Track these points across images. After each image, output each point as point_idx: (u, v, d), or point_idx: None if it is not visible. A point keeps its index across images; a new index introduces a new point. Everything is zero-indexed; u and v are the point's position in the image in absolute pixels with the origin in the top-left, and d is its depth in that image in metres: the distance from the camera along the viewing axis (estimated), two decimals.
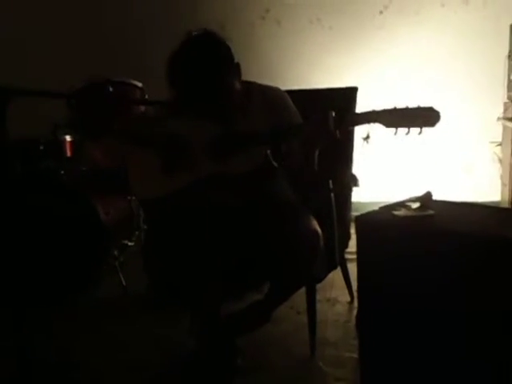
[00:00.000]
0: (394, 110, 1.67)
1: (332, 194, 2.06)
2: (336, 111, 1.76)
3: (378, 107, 1.71)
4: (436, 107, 1.65)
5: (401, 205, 1.76)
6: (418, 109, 1.65)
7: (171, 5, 3.80)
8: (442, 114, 1.63)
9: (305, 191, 2.07)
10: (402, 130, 1.66)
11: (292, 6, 3.75)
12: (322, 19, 3.75)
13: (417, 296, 1.61)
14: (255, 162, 1.91)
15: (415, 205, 1.74)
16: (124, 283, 2.70)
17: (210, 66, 1.83)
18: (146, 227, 2.98)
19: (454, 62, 3.61)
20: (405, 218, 1.68)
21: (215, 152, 1.92)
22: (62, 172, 2.67)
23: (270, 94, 2.02)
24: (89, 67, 3.03)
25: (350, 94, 2.37)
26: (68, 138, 2.92)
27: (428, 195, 1.80)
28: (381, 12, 3.68)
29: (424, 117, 1.63)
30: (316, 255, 1.86)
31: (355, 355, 1.97)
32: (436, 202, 1.79)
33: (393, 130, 1.66)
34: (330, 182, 2.06)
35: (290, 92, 2.09)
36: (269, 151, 1.96)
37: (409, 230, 1.64)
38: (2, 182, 2.69)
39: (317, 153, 1.88)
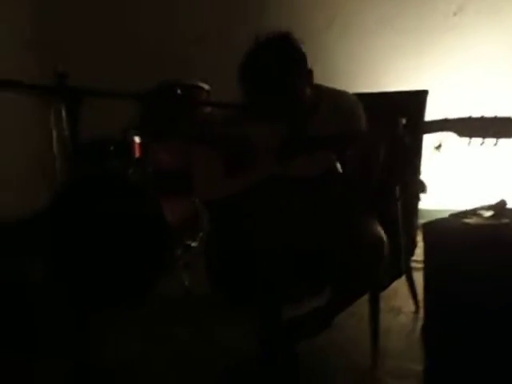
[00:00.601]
0: (469, 120, 1.61)
1: (399, 201, 2.01)
2: (407, 116, 1.71)
3: (451, 115, 1.65)
4: None
5: (472, 213, 1.69)
6: (495, 119, 1.58)
7: (237, 11, 3.85)
8: None
9: (371, 197, 2.03)
10: (476, 140, 1.59)
11: (359, 8, 3.69)
12: (390, 21, 3.66)
13: (487, 308, 1.54)
14: (320, 167, 1.88)
15: (488, 213, 1.67)
16: (187, 284, 2.73)
17: (282, 65, 1.83)
18: (209, 228, 3.01)
19: None
20: (477, 226, 1.61)
21: (281, 154, 1.91)
22: (130, 172, 2.73)
23: (339, 101, 1.99)
24: (159, 72, 3.11)
25: (420, 97, 2.31)
26: (137, 139, 2.99)
27: (502, 203, 1.71)
28: (455, 13, 3.56)
29: (501, 128, 1.56)
30: (380, 261, 1.81)
31: (419, 367, 1.91)
32: (511, 210, 1.71)
33: (466, 139, 1.60)
34: (398, 188, 2.01)
35: (358, 95, 2.05)
36: (334, 156, 1.93)
37: (481, 238, 1.57)
38: (72, 182, 2.80)
39: (380, 159, 1.84)
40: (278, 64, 1.82)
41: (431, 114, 1.88)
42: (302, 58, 1.89)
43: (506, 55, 3.45)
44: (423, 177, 2.28)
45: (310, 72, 1.92)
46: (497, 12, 3.46)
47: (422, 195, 2.19)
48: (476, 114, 1.60)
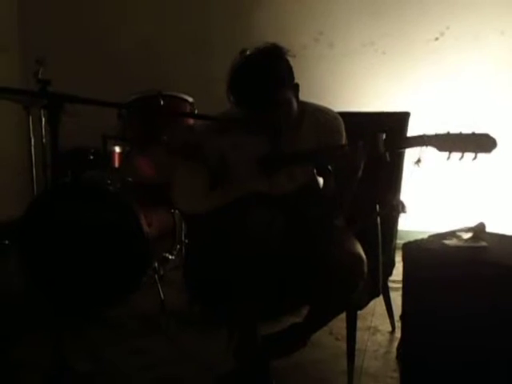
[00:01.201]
0: (447, 135, 1.62)
1: (378, 219, 2.01)
2: (386, 133, 1.72)
3: (430, 132, 1.66)
4: (492, 134, 1.59)
5: (452, 234, 1.70)
6: (473, 135, 1.59)
7: (225, 25, 3.87)
8: (499, 142, 1.57)
9: (350, 215, 2.03)
10: (455, 155, 1.59)
11: (345, 28, 3.74)
12: (375, 43, 3.72)
13: (465, 330, 1.54)
14: (300, 182, 1.88)
15: (467, 235, 1.68)
16: (162, 296, 2.69)
17: (269, 80, 1.82)
18: (187, 241, 2.98)
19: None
20: (456, 248, 1.62)
21: (262, 170, 1.90)
22: (108, 182, 2.70)
23: (322, 117, 2.00)
24: (143, 82, 3.10)
25: (403, 118, 2.32)
26: (117, 149, 2.97)
27: (481, 226, 1.73)
28: (436, 38, 3.63)
29: (479, 143, 1.57)
30: (359, 280, 1.80)
31: None
32: (489, 234, 1.72)
33: (446, 154, 1.60)
34: (377, 206, 2.01)
35: (342, 114, 2.06)
36: (315, 171, 1.93)
37: (460, 260, 1.58)
38: (50, 190, 2.75)
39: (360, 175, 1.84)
40: (264, 78, 1.82)
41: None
42: (288, 70, 1.89)
43: (484, 78, 3.53)
44: (403, 197, 2.29)
45: (297, 86, 1.92)
46: (475, 37, 3.55)
47: (402, 215, 2.20)
48: (454, 131, 1.61)
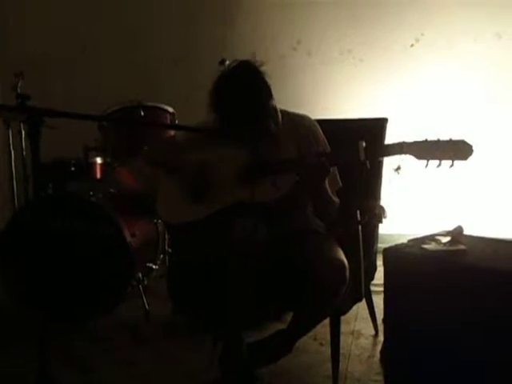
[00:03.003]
0: (425, 142, 1.66)
1: (359, 225, 2.04)
2: (366, 142, 1.75)
3: (409, 139, 1.70)
4: (468, 140, 1.64)
5: (430, 238, 1.73)
6: (450, 142, 1.63)
7: (205, 35, 3.88)
8: (475, 147, 1.61)
9: (332, 221, 2.06)
10: (433, 163, 1.63)
11: (323, 37, 3.79)
12: (352, 51, 3.77)
13: (446, 332, 1.57)
14: (283, 190, 1.90)
15: (445, 239, 1.71)
16: (147, 307, 2.69)
17: (256, 88, 1.86)
18: (171, 251, 2.98)
19: (486, 96, 3.59)
20: (435, 251, 1.65)
21: (243, 180, 1.92)
22: (91, 193, 2.70)
23: (298, 122, 2.03)
24: (123, 92, 3.10)
25: (380, 124, 2.36)
26: (99, 160, 2.97)
27: (459, 230, 1.76)
28: (412, 45, 3.70)
29: (456, 150, 1.61)
30: (342, 286, 1.83)
31: None
32: (467, 237, 1.76)
33: (424, 162, 1.64)
34: (358, 212, 2.04)
35: (321, 121, 2.09)
36: (296, 178, 1.96)
37: (439, 264, 1.61)
38: (32, 202, 2.74)
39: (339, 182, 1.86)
40: (249, 84, 1.85)
41: (390, 140, 1.94)
42: (266, 80, 1.92)
43: (458, 83, 3.62)
44: (383, 202, 2.33)
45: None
46: (449, 43, 3.63)
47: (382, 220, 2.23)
48: (432, 138, 1.65)
